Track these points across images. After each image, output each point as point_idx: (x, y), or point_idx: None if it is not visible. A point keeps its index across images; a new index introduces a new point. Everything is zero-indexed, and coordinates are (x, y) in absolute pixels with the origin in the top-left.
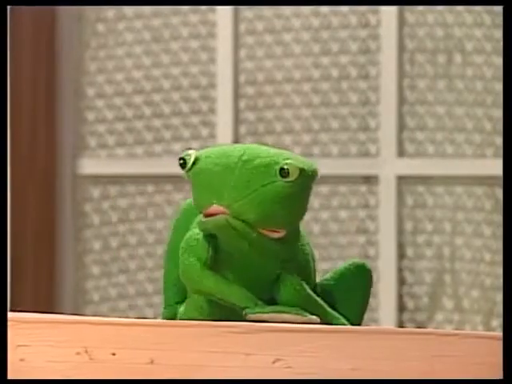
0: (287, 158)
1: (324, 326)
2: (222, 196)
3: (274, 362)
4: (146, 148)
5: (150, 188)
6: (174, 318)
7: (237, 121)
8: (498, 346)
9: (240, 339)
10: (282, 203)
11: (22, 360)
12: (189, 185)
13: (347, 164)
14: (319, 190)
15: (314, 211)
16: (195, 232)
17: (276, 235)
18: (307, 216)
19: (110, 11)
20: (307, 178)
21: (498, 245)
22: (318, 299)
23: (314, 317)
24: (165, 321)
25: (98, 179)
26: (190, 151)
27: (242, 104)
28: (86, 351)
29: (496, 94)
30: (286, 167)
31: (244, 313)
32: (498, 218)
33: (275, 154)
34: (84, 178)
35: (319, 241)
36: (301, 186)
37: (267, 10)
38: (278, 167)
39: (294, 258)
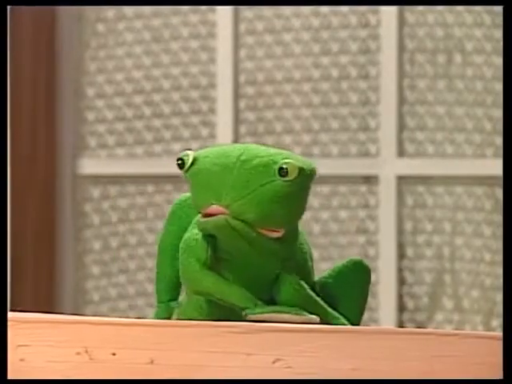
0: (286, 158)
1: (324, 326)
2: (220, 196)
3: (274, 362)
4: (146, 148)
5: (150, 188)
6: (167, 315)
7: (237, 121)
8: (498, 346)
9: (240, 339)
10: (281, 203)
11: (21, 360)
12: (188, 185)
13: (347, 164)
14: (319, 190)
15: (314, 211)
16: (194, 232)
17: (275, 235)
18: (307, 216)
19: (110, 11)
20: (306, 177)
21: (498, 245)
22: (318, 299)
23: (314, 316)
24: (165, 321)
25: (97, 179)
26: (189, 151)
27: (242, 104)
28: (86, 351)
29: (496, 94)
30: (284, 166)
31: (244, 313)
32: (498, 217)
33: (274, 153)
34: (84, 178)
35: (319, 241)
36: (300, 185)
37: (267, 10)
38: (276, 167)
39: (293, 257)
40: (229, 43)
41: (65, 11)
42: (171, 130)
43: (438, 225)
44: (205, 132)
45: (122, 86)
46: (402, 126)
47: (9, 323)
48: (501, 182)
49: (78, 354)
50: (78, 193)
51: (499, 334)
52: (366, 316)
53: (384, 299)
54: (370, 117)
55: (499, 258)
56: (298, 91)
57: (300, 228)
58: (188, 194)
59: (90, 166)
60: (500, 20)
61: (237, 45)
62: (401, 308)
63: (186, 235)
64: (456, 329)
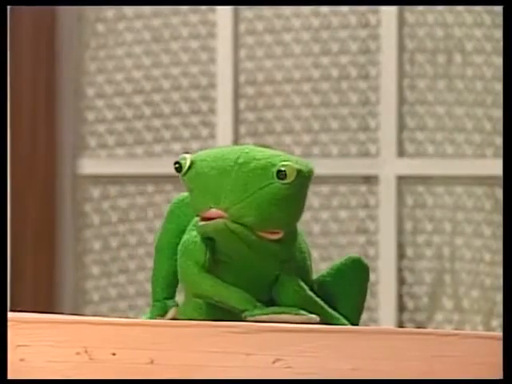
0: (284, 160)
1: (324, 326)
2: (219, 200)
3: (274, 362)
4: (146, 148)
5: (150, 188)
6: (162, 313)
7: (237, 121)
8: (498, 346)
9: (240, 339)
10: (280, 205)
11: (22, 360)
12: (186, 188)
13: (347, 164)
14: (319, 190)
15: (314, 211)
16: (193, 235)
17: (274, 236)
18: (307, 216)
19: (109, 11)
20: (304, 178)
21: (498, 245)
22: (318, 299)
23: (314, 316)
24: (165, 321)
25: (97, 179)
26: (186, 155)
27: (242, 104)
28: (86, 351)
29: (496, 94)
30: (283, 169)
31: (243, 315)
32: (498, 217)
33: (271, 155)
34: (84, 178)
35: (319, 241)
36: (298, 186)
37: (267, 10)
38: (275, 169)
39: (292, 258)
40: (229, 43)
41: (65, 11)
42: (171, 130)
43: (438, 225)
44: (205, 132)
45: (121, 86)
46: (402, 126)
47: (9, 323)
48: (501, 182)
49: (78, 354)
50: (78, 193)
51: (499, 334)
52: (365, 316)
53: (384, 299)
54: (370, 117)
55: (499, 258)
56: (297, 91)
57: (298, 228)
58: (186, 194)
59: (90, 165)
60: (500, 20)
61: (237, 45)
62: (401, 308)
63: (185, 237)
64: (456, 329)
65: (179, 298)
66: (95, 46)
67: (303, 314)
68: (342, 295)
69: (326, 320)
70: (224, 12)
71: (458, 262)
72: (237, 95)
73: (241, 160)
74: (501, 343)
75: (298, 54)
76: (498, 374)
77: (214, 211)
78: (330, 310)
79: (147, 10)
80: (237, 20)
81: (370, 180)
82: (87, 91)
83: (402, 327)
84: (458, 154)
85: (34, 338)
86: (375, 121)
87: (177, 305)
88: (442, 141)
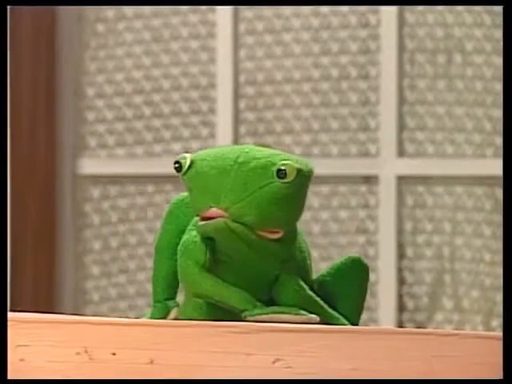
0: (283, 159)
1: (324, 326)
2: (219, 199)
3: (273, 362)
4: (146, 148)
5: (150, 188)
6: (163, 314)
7: (237, 121)
8: (498, 346)
9: (240, 339)
10: (280, 204)
11: (22, 360)
12: (186, 188)
13: (347, 164)
14: (319, 190)
15: (314, 211)
16: (192, 234)
17: (274, 236)
18: (307, 216)
19: (109, 11)
20: (304, 177)
21: (498, 245)
22: (318, 299)
23: (314, 316)
24: (165, 321)
25: (97, 179)
26: (186, 154)
27: (242, 104)
28: (86, 351)
29: (496, 94)
30: (283, 168)
31: (243, 315)
32: (498, 217)
33: (270, 154)
34: (84, 178)
35: (319, 241)
36: (298, 186)
37: (267, 10)
38: (275, 168)
39: (292, 257)
40: (229, 43)
41: (65, 11)
42: (171, 130)
43: (437, 225)
44: (205, 132)
45: (121, 86)
46: (402, 126)
47: (9, 323)
48: (501, 182)
49: (78, 353)
50: (78, 193)
51: (499, 334)
52: (365, 316)
53: (384, 299)
54: (370, 117)
55: (499, 258)
56: (297, 91)
57: (298, 227)
58: (185, 194)
59: (89, 165)
60: (500, 20)
61: (237, 45)
62: (400, 308)
63: (185, 237)
64: (456, 329)
65: (180, 298)
66: (95, 46)
67: (303, 314)
68: (342, 295)
69: (325, 320)
70: (224, 12)
71: (457, 262)
72: (237, 95)
73: (241, 159)
74: (501, 343)
75: (298, 54)
76: (498, 374)
77: (214, 211)
78: (329, 310)
79: (147, 9)
80: (237, 20)
81: (369, 180)
82: (87, 91)
83: (401, 327)
84: (457, 154)
85: (34, 337)
86: (375, 121)
87: (178, 305)
88: (442, 141)
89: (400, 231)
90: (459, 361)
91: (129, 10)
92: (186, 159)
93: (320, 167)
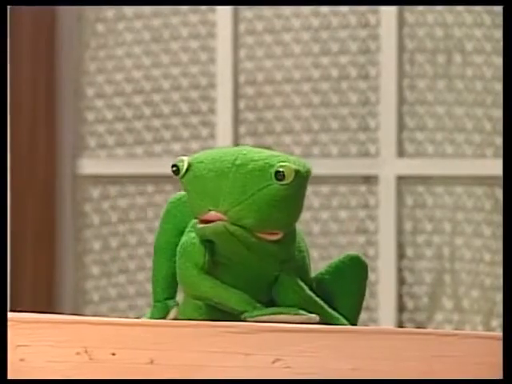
0: (281, 161)
1: (323, 326)
2: (218, 202)
3: (273, 362)
4: (146, 148)
5: (150, 188)
6: (163, 314)
7: (236, 121)
8: (498, 346)
9: (240, 339)
10: (278, 206)
11: (22, 360)
12: (185, 191)
13: (347, 164)
14: (319, 190)
15: (314, 211)
16: (191, 236)
17: (274, 237)
18: (307, 216)
19: (109, 11)
20: (302, 178)
21: (498, 245)
22: (318, 299)
23: (313, 315)
24: (164, 321)
25: (97, 179)
26: (183, 157)
27: (242, 104)
28: (86, 351)
29: (496, 94)
30: (281, 170)
31: (243, 317)
32: (498, 218)
33: (268, 156)
34: (84, 178)
35: (319, 241)
36: (296, 187)
37: (267, 10)
38: (273, 170)
39: (291, 258)
40: (229, 43)
41: (65, 11)
42: (171, 130)
43: (437, 225)
44: (205, 132)
45: (121, 86)
46: (401, 126)
47: (9, 323)
48: (501, 182)
49: (78, 354)
50: (77, 193)
51: (499, 334)
52: (365, 316)
53: (384, 299)
54: (370, 117)
55: (499, 258)
56: (297, 91)
57: (297, 227)
58: (183, 193)
59: (89, 166)
60: (500, 20)
61: (236, 45)
62: (400, 308)
63: (183, 239)
64: (456, 329)
65: (180, 297)
66: (95, 46)
67: (303, 314)
68: (341, 293)
69: (325, 320)
70: (224, 12)
71: (457, 262)
72: (237, 95)
73: (238, 162)
74: (501, 343)
75: (297, 54)
76: (498, 374)
77: (213, 214)
78: (329, 310)
79: (147, 9)
80: (237, 20)
81: (369, 180)
82: (87, 91)
83: (401, 327)
84: (457, 154)
85: (34, 338)
86: (375, 121)
87: (177, 305)
88: (442, 141)
89: (400, 231)
90: (459, 361)
91: (129, 10)
92: (184, 162)
93: (320, 167)
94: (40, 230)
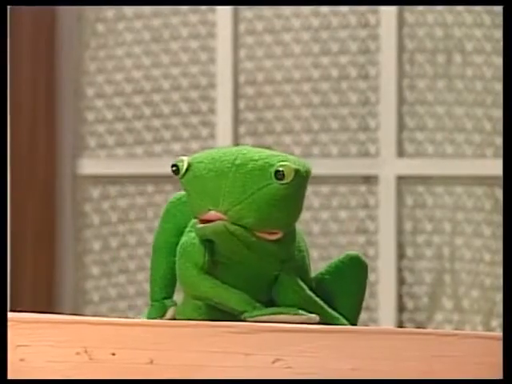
0: (281, 160)
1: (324, 326)
2: (218, 202)
3: (273, 362)
4: (146, 148)
5: (150, 188)
6: (161, 313)
7: (236, 121)
8: (498, 346)
9: (240, 339)
10: (278, 206)
11: (22, 360)
12: (184, 190)
13: (347, 164)
14: (319, 190)
15: (314, 211)
16: (191, 236)
17: (274, 237)
18: (307, 216)
19: (109, 11)
20: (302, 178)
21: (498, 245)
22: (318, 299)
23: (313, 315)
24: (164, 321)
25: (97, 179)
26: (183, 157)
27: (242, 104)
28: (86, 351)
29: (496, 94)
30: (281, 169)
31: (243, 317)
32: (498, 218)
33: (268, 156)
34: (84, 178)
35: (319, 241)
36: (296, 186)
37: (267, 10)
38: (272, 170)
39: (291, 257)
40: (228, 43)
41: (65, 11)
42: (171, 130)
43: (437, 225)
44: (205, 132)
45: (121, 86)
46: (401, 126)
47: (9, 323)
48: (501, 182)
49: (78, 354)
50: (77, 193)
51: (499, 334)
52: (365, 316)
53: (384, 299)
54: (370, 117)
55: (499, 258)
56: (297, 91)
57: (296, 227)
58: (182, 192)
59: (89, 166)
60: (500, 20)
61: (236, 45)
62: (400, 308)
63: (183, 239)
64: (456, 329)
65: (177, 297)
66: (95, 46)
67: (303, 314)
68: (341, 293)
69: (325, 320)
70: (224, 12)
71: (457, 262)
72: (236, 95)
73: (238, 161)
74: (501, 343)
75: (297, 54)
76: (498, 374)
77: (213, 213)
78: (329, 310)
79: (147, 9)
80: (237, 20)
81: (369, 180)
82: (87, 91)
83: (401, 327)
84: (457, 154)
85: (34, 338)
86: (375, 121)
87: (175, 304)
88: (442, 141)
89: (400, 231)
90: (459, 361)
91: (129, 9)
92: (183, 162)
93: (320, 167)
94: (40, 230)
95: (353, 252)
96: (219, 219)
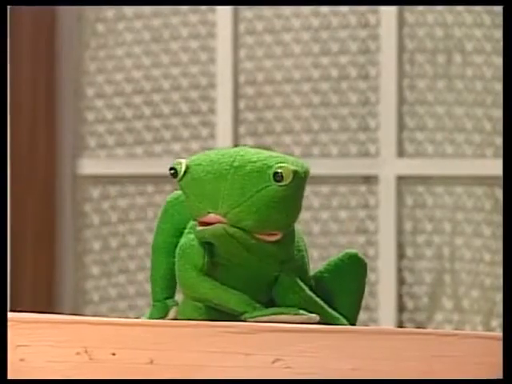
0: (279, 162)
1: (324, 326)
2: (217, 204)
3: (273, 362)
4: (146, 148)
5: (150, 188)
6: (162, 313)
7: (236, 121)
8: (498, 346)
9: (240, 339)
10: (277, 207)
11: (22, 360)
12: (183, 193)
13: (347, 164)
14: (319, 190)
15: (314, 211)
16: (190, 238)
17: (273, 238)
18: (307, 216)
19: (109, 11)
20: (301, 179)
21: (498, 245)
22: (318, 299)
23: (313, 315)
24: (164, 321)
25: (97, 179)
26: (181, 160)
27: (242, 104)
28: (86, 351)
29: (496, 94)
30: (279, 171)
31: (243, 318)
32: (498, 218)
33: (266, 157)
34: (84, 178)
35: (319, 241)
36: (295, 188)
37: (267, 10)
38: (271, 171)
39: (291, 258)
40: (228, 43)
41: (65, 11)
42: (171, 130)
43: (437, 225)
44: (205, 132)
45: (121, 86)
46: (401, 126)
47: (9, 323)
48: (501, 182)
49: (78, 354)
50: (78, 193)
51: (499, 334)
52: (365, 316)
53: (384, 299)
54: (370, 117)
55: (499, 258)
56: (297, 91)
57: (295, 226)
58: (179, 192)
59: (89, 166)
60: (500, 20)
61: (236, 45)
62: (400, 308)
63: (182, 241)
64: (456, 329)
65: (178, 297)
66: (95, 46)
67: (303, 314)
68: (340, 291)
69: (325, 320)
70: (224, 12)
71: (457, 262)
72: (236, 95)
73: (236, 163)
74: (501, 343)
75: (297, 54)
76: (498, 374)
77: (212, 216)
78: (329, 310)
79: (147, 9)
80: (237, 20)
81: (369, 180)
82: (87, 91)
83: (401, 327)
84: (457, 154)
85: (34, 338)
86: (375, 121)
87: (177, 304)
88: (442, 141)
89: (400, 231)
90: (459, 361)
91: (129, 9)
92: (181, 165)
93: (320, 167)
94: (40, 230)
95: (352, 250)
96: (218, 222)
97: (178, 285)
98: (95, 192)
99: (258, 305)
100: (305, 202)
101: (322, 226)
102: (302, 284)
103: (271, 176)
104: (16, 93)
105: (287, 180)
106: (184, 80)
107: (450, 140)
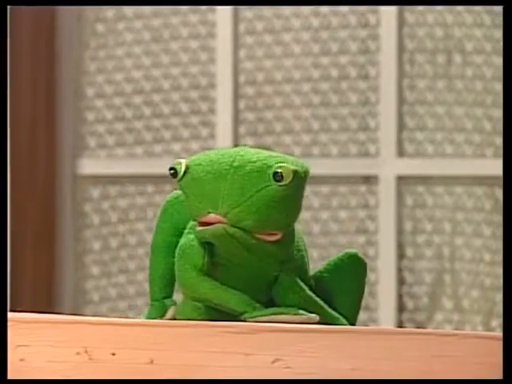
0: (279, 162)
1: (323, 326)
2: (217, 204)
3: (273, 362)
4: (146, 148)
5: (150, 188)
6: (161, 313)
7: (236, 121)
8: (498, 346)
9: (239, 339)
10: (277, 207)
11: (22, 360)
12: (183, 193)
13: (347, 164)
14: (319, 190)
15: (314, 211)
16: (190, 238)
17: (273, 238)
18: (307, 216)
19: (109, 11)
20: (300, 179)
21: (498, 245)
22: (318, 299)
23: (313, 315)
24: (164, 321)
25: (97, 179)
26: (181, 160)
27: (242, 104)
28: (86, 351)
29: (496, 94)
30: (279, 171)
31: (243, 317)
32: (498, 218)
33: (265, 157)
34: (84, 178)
35: (319, 241)
36: (295, 187)
37: (267, 10)
38: (271, 171)
39: (291, 258)
40: (228, 43)
41: (65, 11)
42: (171, 130)
43: (437, 225)
44: (205, 132)
45: (121, 86)
46: (401, 126)
47: (9, 323)
48: (501, 182)
49: (78, 354)
50: (78, 193)
51: (499, 334)
52: (365, 316)
53: (383, 299)
54: (370, 117)
55: (499, 258)
56: (297, 91)
57: (295, 226)
58: (179, 192)
59: (89, 166)
60: (500, 20)
61: (236, 45)
62: (400, 308)
63: (182, 241)
64: (456, 329)
65: (177, 297)
66: (95, 46)
67: (303, 314)
68: (340, 291)
69: (325, 320)
70: (224, 12)
71: (457, 262)
72: (236, 95)
73: (236, 163)
74: (501, 343)
75: (297, 54)
76: (498, 374)
77: (212, 216)
78: (329, 310)
79: (147, 9)
80: (236, 20)
81: (369, 180)
82: (87, 91)
83: (401, 327)
84: (457, 154)
85: (34, 338)
86: (375, 121)
87: (175, 304)
88: (442, 141)
89: (400, 231)
90: (459, 361)
91: (129, 9)
92: (181, 165)
93: (320, 167)
94: (40, 230)
95: (352, 250)
96: (219, 222)
97: (177, 285)
98: (95, 192)
99: (257, 305)
100: (305, 202)
101: (322, 226)
102: (301, 284)
103: (271, 176)
104: (16, 93)
105: (287, 180)
106: (184, 80)
107: (449, 140)
